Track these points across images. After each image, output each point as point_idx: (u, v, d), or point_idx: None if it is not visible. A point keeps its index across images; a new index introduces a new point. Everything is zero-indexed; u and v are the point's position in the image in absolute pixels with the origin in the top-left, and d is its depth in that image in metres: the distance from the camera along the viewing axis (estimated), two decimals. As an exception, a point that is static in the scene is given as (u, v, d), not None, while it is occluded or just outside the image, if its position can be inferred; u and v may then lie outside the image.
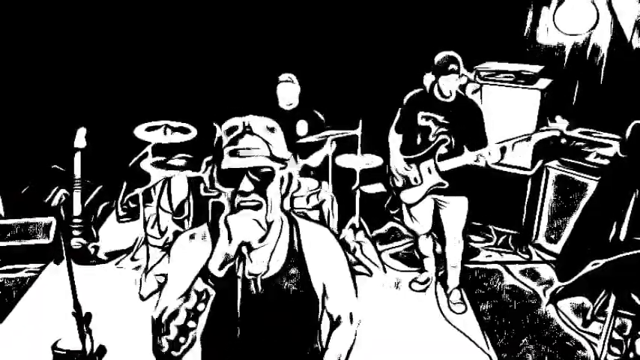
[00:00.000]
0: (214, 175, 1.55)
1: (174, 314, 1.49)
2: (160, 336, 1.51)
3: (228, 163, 1.50)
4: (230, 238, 1.47)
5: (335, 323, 1.73)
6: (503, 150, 3.27)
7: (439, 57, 3.30)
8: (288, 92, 4.02)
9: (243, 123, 1.53)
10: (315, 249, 1.67)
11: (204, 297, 1.48)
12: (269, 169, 1.51)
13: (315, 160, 4.13)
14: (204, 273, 1.48)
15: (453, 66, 3.25)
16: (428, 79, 3.37)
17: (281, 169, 1.54)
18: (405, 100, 3.54)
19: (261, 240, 1.58)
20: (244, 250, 1.47)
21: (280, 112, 4.01)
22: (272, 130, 1.56)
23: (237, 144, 1.51)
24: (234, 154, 1.50)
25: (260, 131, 1.53)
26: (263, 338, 1.65)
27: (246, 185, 1.48)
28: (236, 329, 1.60)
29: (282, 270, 1.63)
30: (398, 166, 3.55)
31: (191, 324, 1.49)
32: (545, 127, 3.35)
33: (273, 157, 1.52)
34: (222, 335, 1.64)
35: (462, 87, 3.37)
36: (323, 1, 4.56)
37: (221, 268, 1.48)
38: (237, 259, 1.49)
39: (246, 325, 1.63)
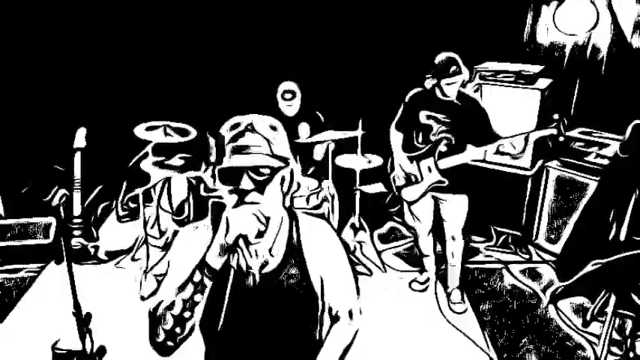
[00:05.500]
0: (215, 173, 1.54)
1: (171, 305, 1.50)
2: (156, 326, 1.52)
3: (229, 161, 1.49)
4: (228, 231, 1.47)
5: (334, 319, 1.70)
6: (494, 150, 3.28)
7: (439, 59, 3.30)
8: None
9: (246, 121, 1.53)
10: (313, 242, 1.66)
11: (200, 287, 1.49)
12: (269, 169, 1.50)
13: (317, 153, 4.14)
14: (202, 264, 1.49)
15: (454, 67, 3.25)
16: (429, 83, 3.36)
17: (282, 167, 1.53)
18: (406, 98, 3.54)
19: (260, 235, 1.54)
20: (241, 242, 1.47)
21: (281, 115, 4.01)
22: (274, 128, 1.55)
23: (237, 142, 1.50)
24: (234, 151, 1.49)
25: (262, 129, 1.52)
26: (262, 333, 1.65)
27: (246, 184, 1.48)
28: (235, 324, 1.60)
29: (282, 264, 1.63)
30: (400, 164, 3.55)
31: (187, 314, 1.50)
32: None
33: (274, 156, 1.51)
34: (223, 331, 1.63)
35: (463, 85, 3.36)
36: (323, 2, 4.55)
37: (218, 260, 1.49)
38: (233, 251, 1.50)
39: (246, 319, 1.63)
